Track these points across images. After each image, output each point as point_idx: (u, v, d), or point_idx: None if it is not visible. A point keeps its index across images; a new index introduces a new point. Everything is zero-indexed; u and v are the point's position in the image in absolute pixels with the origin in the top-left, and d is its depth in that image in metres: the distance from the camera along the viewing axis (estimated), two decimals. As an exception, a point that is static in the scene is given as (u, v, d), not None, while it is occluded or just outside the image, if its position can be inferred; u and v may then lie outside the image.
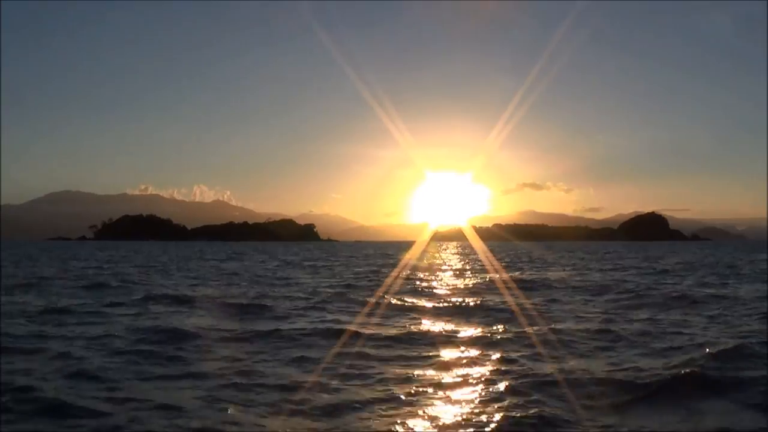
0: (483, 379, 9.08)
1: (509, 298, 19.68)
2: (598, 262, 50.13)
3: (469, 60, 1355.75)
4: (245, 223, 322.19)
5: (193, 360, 10.43)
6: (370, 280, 29.59)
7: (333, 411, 7.50)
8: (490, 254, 67.85)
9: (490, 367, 9.80)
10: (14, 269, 37.39)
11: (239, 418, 7.24)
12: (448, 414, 7.46)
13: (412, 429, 6.96)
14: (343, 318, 15.62)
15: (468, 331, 13.39)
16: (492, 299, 19.69)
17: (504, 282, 26.88)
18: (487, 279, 29.92)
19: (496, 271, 36.27)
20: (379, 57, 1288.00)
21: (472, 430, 6.88)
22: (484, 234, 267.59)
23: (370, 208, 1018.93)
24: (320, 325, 14.16)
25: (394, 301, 19.03)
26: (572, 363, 10.10)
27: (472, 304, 18.56)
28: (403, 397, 8.11)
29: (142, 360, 10.34)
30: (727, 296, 20.26)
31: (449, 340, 12.53)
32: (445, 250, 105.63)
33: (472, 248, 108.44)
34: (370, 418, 7.27)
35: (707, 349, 10.66)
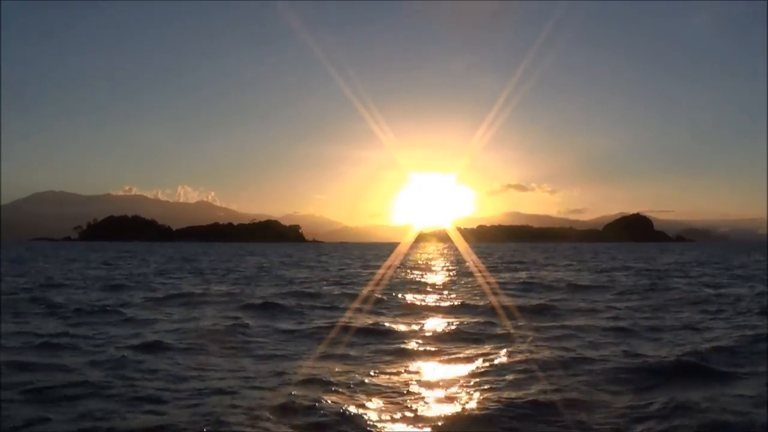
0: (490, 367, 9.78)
1: (493, 298, 19.55)
2: (589, 263, 50.45)
3: (454, 61, 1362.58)
4: (230, 224, 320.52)
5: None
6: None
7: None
8: (474, 256, 67.52)
9: (496, 358, 10.36)
10: (21, 268, 37.08)
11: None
12: (472, 395, 8.04)
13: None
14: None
15: (467, 330, 13.60)
16: (476, 300, 19.44)
17: (490, 285, 26.14)
18: (474, 281, 29.20)
19: (482, 275, 35.37)
20: (364, 58, 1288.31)
21: (483, 411, 7.47)
22: (469, 235, 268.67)
23: (355, 209, 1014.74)
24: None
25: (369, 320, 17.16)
26: (576, 353, 10.68)
27: (457, 304, 18.59)
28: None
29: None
30: (725, 294, 20.90)
31: (456, 337, 12.82)
32: (429, 252, 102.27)
33: (456, 249, 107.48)
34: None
35: (711, 344, 11.36)
